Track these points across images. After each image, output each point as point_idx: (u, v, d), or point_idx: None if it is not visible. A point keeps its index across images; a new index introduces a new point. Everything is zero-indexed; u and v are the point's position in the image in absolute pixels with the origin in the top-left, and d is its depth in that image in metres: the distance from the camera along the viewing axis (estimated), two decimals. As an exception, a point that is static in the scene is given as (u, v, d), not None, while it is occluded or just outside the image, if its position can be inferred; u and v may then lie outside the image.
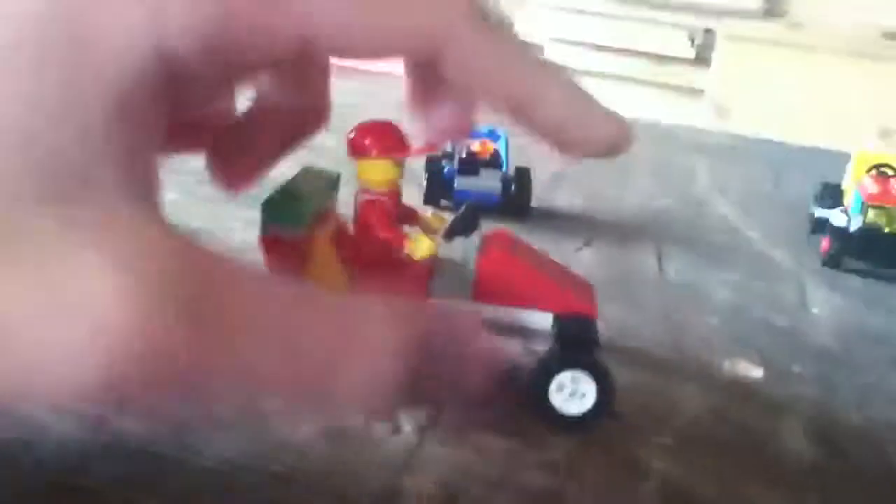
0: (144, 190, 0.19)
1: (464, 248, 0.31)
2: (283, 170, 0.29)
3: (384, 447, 0.27)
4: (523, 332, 0.30)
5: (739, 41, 1.78)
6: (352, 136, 0.30)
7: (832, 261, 0.48)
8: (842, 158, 0.59)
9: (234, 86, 0.25)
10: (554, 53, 2.16)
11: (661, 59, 2.02)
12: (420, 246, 0.30)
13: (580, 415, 0.29)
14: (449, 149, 0.53)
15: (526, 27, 2.16)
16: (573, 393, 0.29)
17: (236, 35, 0.19)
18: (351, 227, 0.31)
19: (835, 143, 0.85)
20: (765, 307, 0.42)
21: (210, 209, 0.46)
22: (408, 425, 0.28)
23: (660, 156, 0.75)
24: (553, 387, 0.29)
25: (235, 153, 0.27)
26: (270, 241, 0.29)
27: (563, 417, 0.29)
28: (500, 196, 0.50)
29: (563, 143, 0.24)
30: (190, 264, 0.18)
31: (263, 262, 0.30)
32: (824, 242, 0.49)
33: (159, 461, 0.24)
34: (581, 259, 0.45)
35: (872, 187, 0.48)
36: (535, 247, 0.32)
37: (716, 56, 1.84)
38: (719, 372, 0.34)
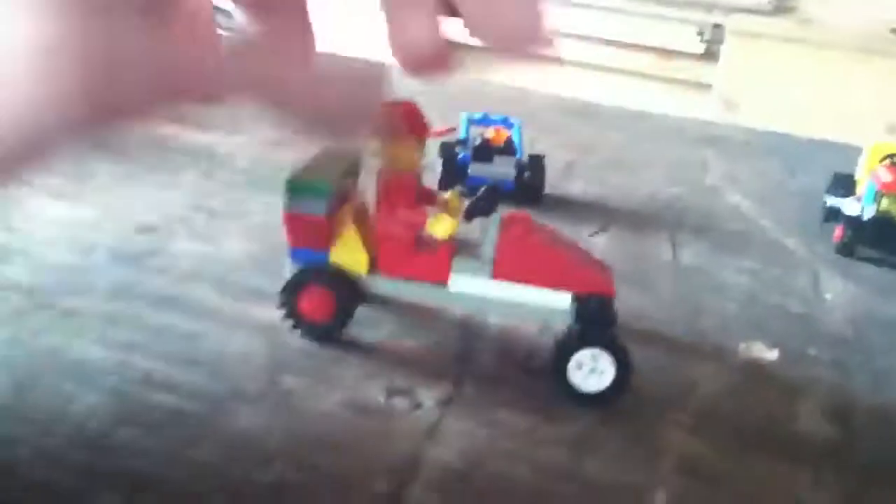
0: None
1: (483, 228, 0.31)
2: (311, 151, 0.30)
3: (406, 420, 0.27)
4: (542, 312, 0.31)
5: (748, 37, 1.78)
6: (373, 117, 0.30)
7: (845, 249, 0.49)
8: (852, 151, 0.59)
9: None
10: (562, 48, 2.16)
11: (670, 53, 2.01)
12: (441, 225, 0.30)
13: (599, 392, 0.29)
14: (463, 136, 0.54)
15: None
16: (592, 370, 0.29)
17: None
18: (372, 206, 0.31)
19: (842, 138, 0.85)
20: (779, 293, 0.42)
21: (231, 192, 0.46)
22: (429, 401, 0.28)
23: (670, 148, 0.75)
24: (572, 364, 0.29)
25: None
26: (293, 218, 0.30)
27: (581, 394, 0.29)
28: (513, 183, 0.50)
29: (475, 27, 0.22)
30: None
31: (287, 239, 0.30)
32: (837, 231, 0.49)
33: (190, 430, 0.25)
34: (595, 245, 0.45)
35: (886, 176, 0.48)
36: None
37: (724, 51, 1.84)
38: (735, 354, 0.35)
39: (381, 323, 0.33)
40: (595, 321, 0.30)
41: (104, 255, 0.36)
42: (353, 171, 0.33)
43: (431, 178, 0.50)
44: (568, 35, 2.12)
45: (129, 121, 0.21)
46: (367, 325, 0.32)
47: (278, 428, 0.26)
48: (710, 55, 1.94)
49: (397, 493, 0.23)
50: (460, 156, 0.51)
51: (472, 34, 0.22)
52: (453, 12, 0.22)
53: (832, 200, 0.53)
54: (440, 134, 0.31)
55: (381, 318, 0.33)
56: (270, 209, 0.44)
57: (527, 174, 0.51)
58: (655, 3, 1.93)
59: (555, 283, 0.30)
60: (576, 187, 0.57)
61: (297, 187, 0.29)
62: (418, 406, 0.28)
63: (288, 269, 0.31)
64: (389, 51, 0.23)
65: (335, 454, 0.25)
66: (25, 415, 0.24)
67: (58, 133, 0.19)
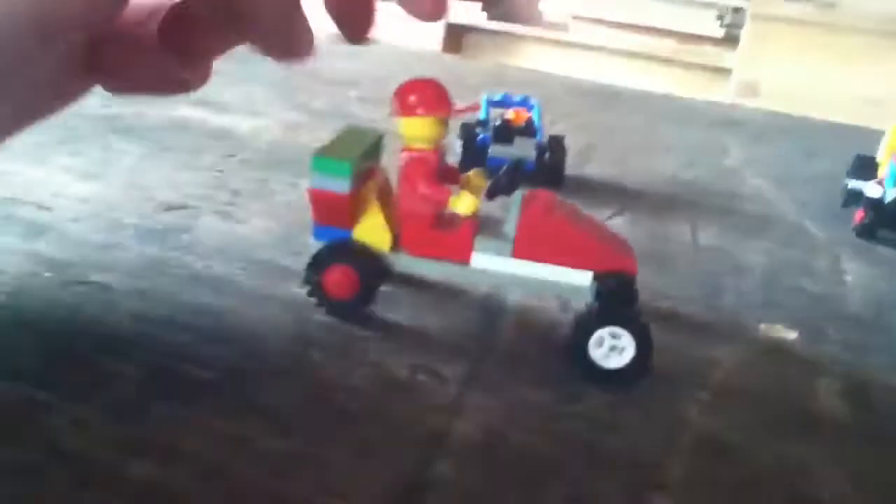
0: None
1: (505, 206, 0.32)
2: (330, 132, 0.30)
3: (429, 396, 0.27)
4: (563, 289, 0.31)
5: (768, 20, 1.77)
6: (398, 94, 0.30)
7: (866, 231, 0.49)
8: (873, 135, 0.59)
9: None
10: (579, 31, 2.15)
11: (690, 37, 2.00)
12: (464, 202, 0.30)
13: (619, 369, 0.29)
14: (483, 117, 0.54)
15: (551, 5, 2.15)
16: (612, 348, 0.29)
17: None
18: (395, 184, 0.32)
19: (863, 122, 0.85)
20: (798, 275, 0.42)
21: (253, 172, 0.47)
22: (451, 377, 0.28)
23: (690, 131, 0.75)
24: (592, 342, 0.29)
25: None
26: (318, 195, 0.30)
27: (602, 372, 0.29)
28: (534, 164, 0.50)
29: None
30: None
31: (311, 215, 0.31)
32: (858, 213, 0.49)
33: (219, 401, 0.25)
34: (615, 226, 0.45)
35: (908, 159, 0.48)
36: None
37: (744, 35, 1.82)
38: (754, 333, 0.35)
39: (404, 301, 0.33)
40: (616, 299, 0.30)
41: (131, 232, 0.36)
42: (376, 148, 0.33)
43: (452, 160, 0.50)
44: (587, 19, 2.11)
45: None
46: (390, 303, 0.33)
47: (304, 401, 0.26)
48: (730, 39, 1.93)
49: (421, 465, 0.24)
50: (480, 137, 0.52)
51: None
52: None
53: (853, 183, 0.53)
54: (464, 111, 0.31)
55: (403, 297, 0.33)
56: (293, 189, 0.45)
57: (547, 155, 0.51)
58: (675, -14, 1.91)
59: (576, 262, 0.30)
60: (595, 170, 0.57)
61: (321, 164, 0.30)
62: (441, 382, 0.28)
63: (313, 247, 0.31)
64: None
65: (359, 427, 0.25)
66: (60, 386, 0.25)
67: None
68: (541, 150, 0.51)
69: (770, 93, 1.68)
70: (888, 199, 0.48)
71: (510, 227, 0.31)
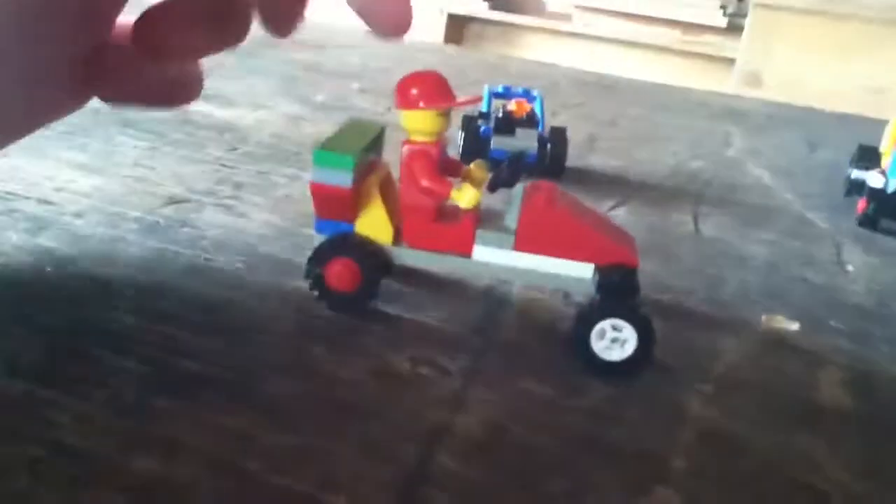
0: None
1: (507, 199, 0.32)
2: (333, 125, 0.30)
3: (431, 389, 0.27)
4: (565, 281, 0.31)
5: (771, 10, 1.76)
6: (399, 87, 0.30)
7: (868, 221, 0.48)
8: (877, 125, 0.59)
9: None
10: (581, 21, 2.14)
11: (693, 27, 1.99)
12: (465, 195, 0.30)
13: (621, 362, 0.29)
14: (485, 109, 0.54)
15: (555, -5, 2.14)
16: (614, 340, 0.29)
17: None
18: (397, 177, 0.32)
19: (866, 112, 0.85)
20: (801, 265, 0.42)
21: (255, 165, 0.47)
22: (453, 370, 0.28)
23: (693, 122, 0.75)
24: (594, 334, 0.29)
25: None
26: (320, 189, 0.30)
27: (604, 364, 0.29)
28: (535, 156, 0.50)
29: (358, 11, 0.25)
30: None
31: (313, 208, 0.31)
32: (861, 203, 0.49)
33: (221, 396, 0.25)
34: (616, 217, 0.45)
35: (911, 149, 0.48)
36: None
37: (747, 25, 1.82)
38: (756, 324, 0.35)
39: (405, 294, 0.33)
40: (617, 291, 0.30)
41: (134, 226, 0.36)
42: (378, 141, 0.33)
43: (453, 151, 0.50)
44: (590, 9, 2.10)
45: None
46: (392, 297, 0.33)
47: (305, 394, 0.26)
48: (733, 29, 1.92)
49: (423, 459, 0.24)
50: (482, 129, 0.51)
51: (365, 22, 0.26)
52: None
53: (856, 173, 0.53)
54: (465, 104, 0.31)
55: (404, 290, 0.33)
56: (295, 182, 0.45)
57: (549, 147, 0.51)
58: (678, -25, 1.91)
59: (578, 255, 0.30)
60: (597, 161, 0.57)
61: (323, 159, 0.30)
62: (443, 375, 0.28)
63: (314, 240, 0.31)
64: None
65: (361, 421, 0.25)
66: (62, 381, 0.25)
67: None
68: (542, 141, 0.51)
69: (773, 83, 1.68)
70: (891, 188, 0.48)
71: (512, 220, 0.31)
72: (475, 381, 0.28)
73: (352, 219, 0.31)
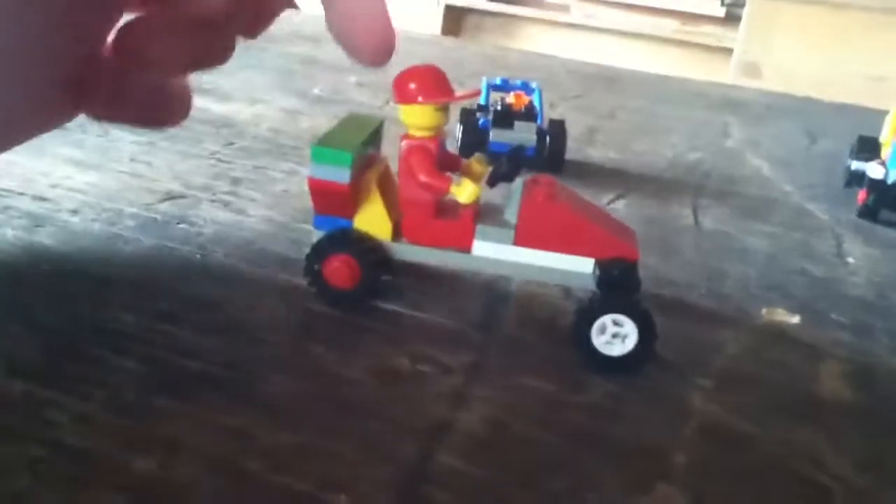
0: None
1: (507, 193, 0.31)
2: (330, 118, 0.30)
3: (432, 386, 0.27)
4: (565, 276, 0.31)
5: (770, 0, 1.75)
6: (397, 81, 0.30)
7: (868, 213, 0.48)
8: (876, 115, 0.59)
9: None
10: (580, 12, 2.14)
11: (691, 18, 1.99)
12: (465, 191, 0.30)
13: (622, 357, 0.29)
14: (484, 102, 0.54)
15: (552, -15, 2.14)
16: (615, 335, 0.29)
17: None
18: (396, 171, 0.31)
19: (865, 101, 0.84)
20: (801, 257, 0.42)
21: (253, 160, 0.47)
22: (454, 367, 0.28)
23: (692, 113, 0.74)
24: (595, 330, 0.29)
25: None
26: (318, 185, 0.30)
27: (605, 359, 0.29)
28: (534, 149, 0.50)
29: (339, 39, 0.26)
30: None
31: (312, 204, 0.31)
32: (861, 194, 0.49)
33: (220, 395, 0.25)
34: (616, 210, 0.45)
35: (911, 139, 0.48)
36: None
37: (746, 15, 1.81)
38: (757, 317, 0.35)
39: (405, 290, 0.33)
40: (618, 286, 0.30)
41: (130, 223, 0.36)
42: (377, 135, 0.33)
43: (452, 145, 0.50)
44: (589, 0, 2.09)
45: None
46: (391, 293, 0.32)
47: (306, 393, 0.26)
48: (731, 19, 1.91)
49: (424, 457, 0.24)
50: (481, 122, 0.51)
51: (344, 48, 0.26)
52: None
53: (856, 164, 0.53)
54: (464, 98, 0.31)
55: (404, 286, 0.33)
56: (293, 177, 0.44)
57: (548, 140, 0.50)
58: (676, -35, 1.90)
59: (578, 249, 0.30)
60: (596, 153, 0.57)
61: (321, 155, 0.30)
62: (443, 372, 0.28)
63: (313, 236, 0.31)
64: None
65: (361, 419, 0.25)
66: (60, 380, 0.25)
67: None
68: (541, 134, 0.50)
69: (772, 73, 1.67)
70: (891, 179, 0.48)
71: (511, 215, 0.31)
72: (476, 377, 0.28)
73: (350, 214, 0.31)
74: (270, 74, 0.68)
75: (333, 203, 0.31)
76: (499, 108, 0.51)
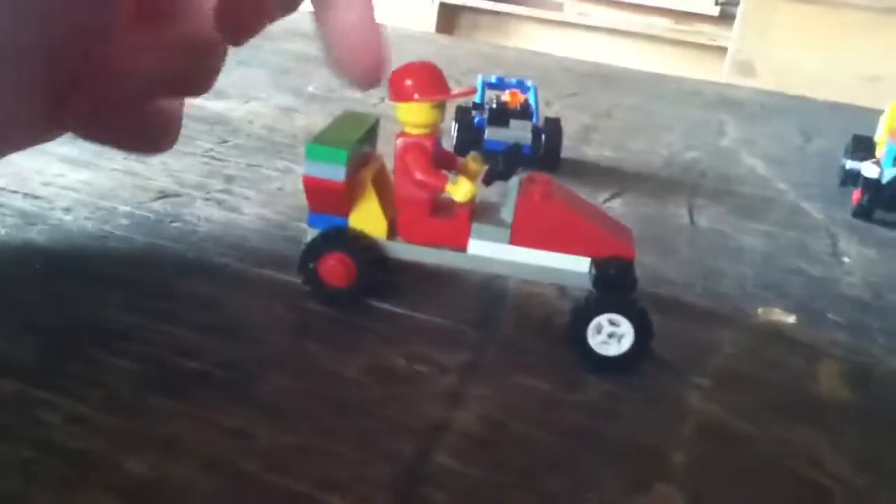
0: None
1: (503, 191, 0.31)
2: (325, 116, 0.29)
3: (428, 386, 0.27)
4: (562, 275, 0.31)
5: (764, -2, 1.75)
6: (392, 78, 0.30)
7: (863, 212, 0.48)
8: (871, 114, 0.59)
9: None
10: (574, 11, 2.14)
11: (685, 16, 1.99)
12: (461, 189, 0.30)
13: (618, 356, 0.29)
14: (479, 100, 0.53)
15: (547, -16, 2.14)
16: (611, 335, 0.29)
17: None
18: (392, 170, 0.31)
19: (860, 100, 0.84)
20: (797, 257, 0.42)
21: (247, 158, 0.46)
22: (450, 366, 0.28)
23: (687, 111, 0.74)
24: (591, 329, 0.29)
25: None
26: (313, 183, 0.30)
27: (601, 359, 0.29)
28: (530, 147, 0.50)
29: (331, 57, 0.26)
30: None
31: (306, 201, 0.31)
32: (856, 194, 0.49)
33: (216, 395, 0.25)
34: (612, 209, 0.45)
35: (906, 138, 0.48)
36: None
37: (740, 13, 1.81)
38: (753, 317, 0.35)
39: (401, 290, 0.33)
40: (614, 285, 0.30)
41: (124, 221, 0.36)
42: (372, 133, 0.33)
43: (447, 144, 0.50)
44: (581, -3, 2.09)
45: None
46: (387, 292, 0.32)
47: (302, 393, 0.26)
48: (725, 17, 1.92)
49: (421, 457, 0.24)
50: (476, 120, 0.51)
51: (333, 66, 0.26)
52: None
53: (851, 163, 0.53)
54: (459, 96, 0.31)
55: (400, 285, 0.33)
56: (287, 175, 0.44)
57: (543, 138, 0.50)
58: (670, -37, 1.90)
59: (574, 248, 0.30)
60: (592, 152, 0.57)
61: (316, 152, 0.29)
62: (440, 372, 0.28)
63: (308, 235, 0.31)
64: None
65: (358, 418, 0.25)
66: (54, 380, 0.25)
67: None
68: (537, 132, 0.50)
69: (766, 71, 1.67)
70: (885, 179, 0.48)
71: (507, 213, 0.30)
72: (472, 377, 0.28)
73: (345, 213, 0.31)
74: (265, 71, 0.68)
75: (328, 201, 0.30)
76: (494, 106, 0.50)
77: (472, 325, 0.31)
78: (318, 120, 0.54)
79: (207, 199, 0.39)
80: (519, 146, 0.31)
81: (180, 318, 0.29)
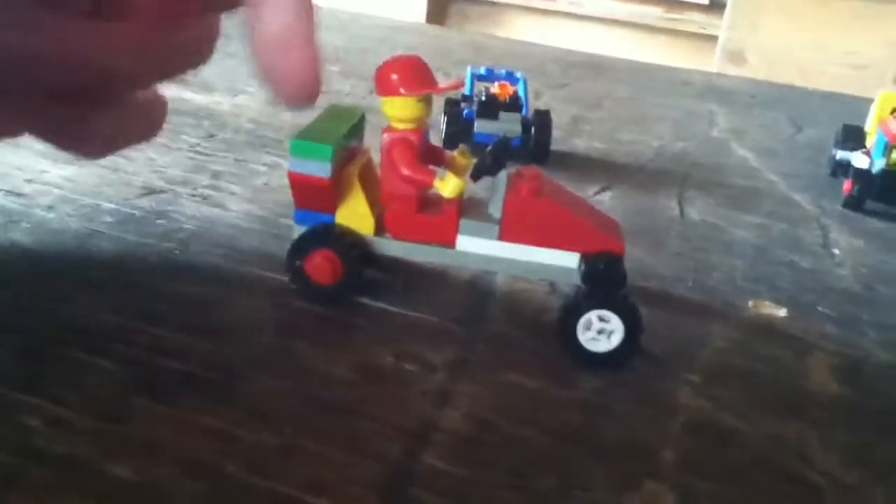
0: None
1: (491, 186, 0.31)
2: (313, 110, 0.29)
3: (416, 384, 0.27)
4: (551, 271, 0.30)
5: (754, -14, 1.75)
6: (379, 73, 0.30)
7: (854, 202, 0.48)
8: (862, 103, 0.59)
9: None
10: (565, 0, 2.13)
11: (675, 4, 1.98)
12: (448, 185, 0.29)
13: (608, 353, 0.29)
14: (468, 92, 0.53)
15: (536, -27, 2.13)
16: (601, 331, 0.29)
17: None
18: (379, 165, 0.31)
19: (850, 89, 0.84)
20: (787, 249, 0.42)
21: (234, 153, 0.46)
22: (439, 364, 0.28)
23: (677, 102, 0.74)
24: (580, 325, 0.29)
25: None
26: (298, 179, 0.29)
27: (591, 355, 0.29)
28: (519, 140, 0.49)
29: (261, 69, 0.24)
30: None
31: (292, 198, 0.30)
32: (846, 184, 0.49)
33: (201, 396, 0.25)
34: (602, 202, 0.45)
35: (896, 128, 0.48)
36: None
37: (730, 2, 1.81)
38: (744, 311, 0.34)
39: (389, 287, 0.33)
40: (603, 281, 0.29)
41: (108, 219, 0.35)
42: (358, 127, 0.32)
43: (436, 137, 0.49)
44: (571, -14, 2.08)
45: None
46: (375, 289, 0.32)
47: (289, 393, 0.25)
48: (715, 6, 1.91)
49: (409, 457, 0.23)
50: (465, 112, 0.51)
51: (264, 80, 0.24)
52: None
53: (841, 153, 0.53)
54: (448, 89, 0.31)
55: (388, 282, 0.33)
56: (274, 170, 0.44)
57: (533, 130, 0.50)
58: (660, -48, 1.89)
59: (563, 244, 0.30)
60: (582, 143, 0.57)
61: (301, 148, 0.29)
62: (428, 370, 0.28)
63: (294, 231, 0.31)
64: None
65: (346, 418, 0.25)
66: (35, 383, 0.24)
67: None
68: (527, 125, 0.50)
69: (757, 60, 1.67)
70: (875, 169, 0.48)
71: (496, 209, 0.30)
72: (461, 375, 0.28)
73: (332, 209, 0.30)
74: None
75: (314, 197, 0.30)
76: (483, 98, 0.50)
77: (461, 322, 0.31)
78: (305, 114, 0.53)
79: (193, 196, 0.39)
80: (507, 141, 0.31)
81: (164, 318, 0.28)
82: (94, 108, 0.26)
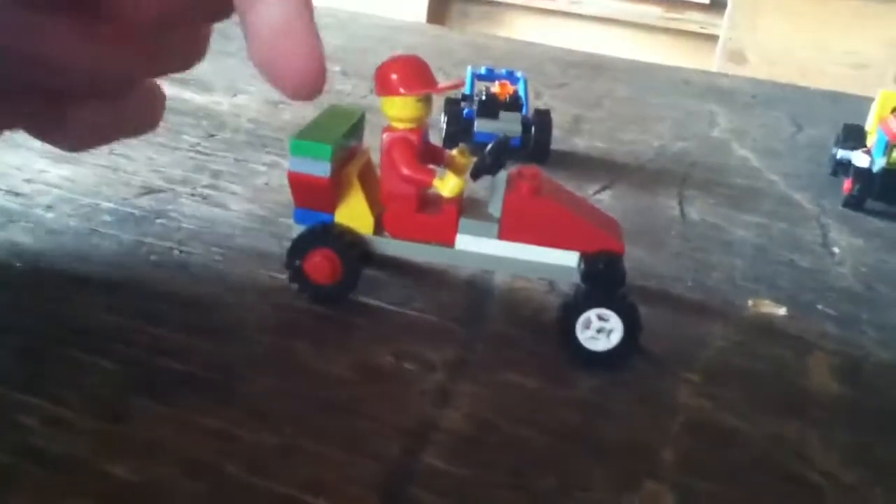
0: None
1: (491, 185, 0.31)
2: (312, 109, 0.29)
3: (415, 384, 0.27)
4: (550, 270, 0.30)
5: (755, -15, 1.75)
6: (378, 72, 0.29)
7: (854, 202, 0.48)
8: (862, 103, 0.58)
9: None
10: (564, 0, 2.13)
11: (676, 4, 1.98)
12: (448, 185, 0.29)
13: (607, 351, 0.29)
14: (468, 91, 0.53)
15: (537, -27, 2.12)
16: (600, 330, 0.29)
17: None
18: (378, 165, 0.31)
19: (851, 89, 0.84)
20: (787, 248, 0.42)
21: (233, 153, 0.46)
22: (438, 364, 0.28)
23: (677, 101, 0.74)
24: (580, 324, 0.29)
25: None
26: (298, 178, 0.29)
27: (590, 354, 0.29)
28: (519, 139, 0.49)
29: (262, 63, 0.23)
30: None
31: (292, 198, 0.30)
32: (846, 183, 0.49)
33: (200, 396, 0.25)
34: (602, 201, 0.45)
35: (897, 127, 0.48)
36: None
37: (730, 1, 1.80)
38: (744, 310, 0.34)
39: (388, 286, 0.33)
40: (603, 280, 0.29)
41: (107, 218, 0.35)
42: (358, 127, 0.32)
43: (436, 136, 0.49)
44: (572, -14, 2.08)
45: None
46: (373, 288, 0.32)
47: (288, 392, 0.25)
48: (715, 5, 1.91)
49: (409, 457, 0.23)
50: (465, 111, 0.51)
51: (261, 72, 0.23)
52: None
53: (841, 153, 0.53)
54: (447, 89, 0.31)
55: (387, 281, 0.33)
56: (274, 169, 0.44)
57: (533, 130, 0.50)
58: (660, -49, 1.89)
59: (562, 243, 0.30)
60: (582, 143, 0.57)
61: (300, 148, 0.29)
62: (428, 369, 0.28)
63: (294, 231, 0.31)
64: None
65: (345, 418, 0.25)
66: (33, 383, 0.24)
67: None
68: (527, 124, 0.50)
69: (757, 60, 1.67)
70: (876, 168, 0.48)
71: (495, 208, 0.30)
72: (460, 374, 0.28)
73: (332, 208, 0.30)
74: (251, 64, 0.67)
75: (314, 197, 0.30)
76: (483, 97, 0.50)
77: (460, 321, 0.31)
78: (305, 113, 0.53)
79: (193, 195, 0.39)
80: (506, 140, 0.31)
81: (164, 318, 0.28)
82: (84, 104, 0.27)
